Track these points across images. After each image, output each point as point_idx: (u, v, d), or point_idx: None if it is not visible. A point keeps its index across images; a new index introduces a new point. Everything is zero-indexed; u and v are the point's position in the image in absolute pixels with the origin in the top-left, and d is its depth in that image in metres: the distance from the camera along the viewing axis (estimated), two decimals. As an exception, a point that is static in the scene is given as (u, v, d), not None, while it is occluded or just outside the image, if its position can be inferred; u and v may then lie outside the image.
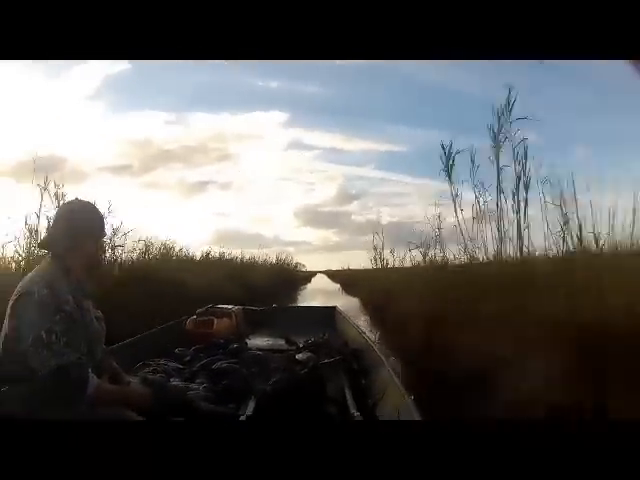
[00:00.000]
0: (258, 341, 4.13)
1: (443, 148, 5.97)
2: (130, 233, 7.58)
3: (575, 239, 3.74)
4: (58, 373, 1.47)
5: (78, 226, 1.71)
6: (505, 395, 2.68)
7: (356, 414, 2.20)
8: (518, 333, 3.03)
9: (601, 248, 3.49)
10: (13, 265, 4.54)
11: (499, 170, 5.30)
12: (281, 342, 4.05)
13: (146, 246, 8.05)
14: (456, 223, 5.81)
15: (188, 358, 3.26)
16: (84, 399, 1.54)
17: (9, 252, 4.69)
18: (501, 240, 5.15)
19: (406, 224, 11.48)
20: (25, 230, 4.80)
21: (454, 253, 6.19)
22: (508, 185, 5.22)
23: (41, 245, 1.86)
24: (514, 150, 5.03)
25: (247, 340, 4.03)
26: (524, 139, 4.99)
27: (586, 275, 3.00)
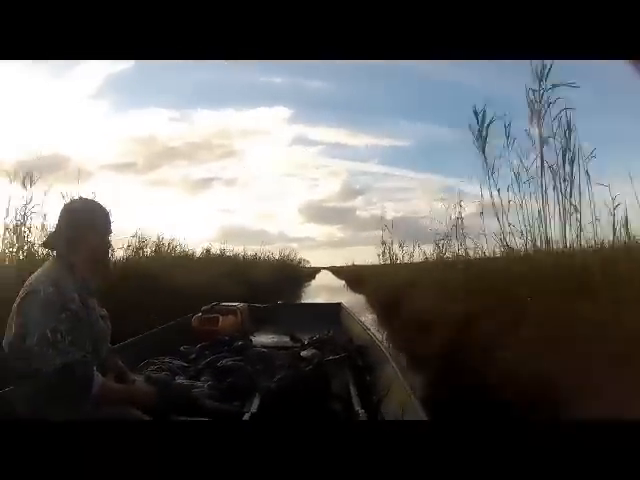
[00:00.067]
0: (263, 338, 4.14)
1: (476, 115, 5.06)
2: (132, 231, 7.63)
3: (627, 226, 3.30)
4: (63, 371, 1.48)
5: (79, 223, 1.72)
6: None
7: (360, 411, 2.20)
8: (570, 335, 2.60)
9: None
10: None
11: (542, 140, 4.30)
12: (286, 339, 4.05)
13: (140, 242, 7.91)
14: (484, 207, 5.07)
15: (193, 356, 3.26)
16: (89, 397, 1.54)
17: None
18: (546, 227, 4.29)
19: (412, 219, 11.31)
20: (26, 229, 4.85)
21: (476, 244, 5.68)
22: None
23: (45, 244, 1.86)
24: (552, 124, 4.18)
25: (252, 337, 4.03)
26: (566, 108, 4.11)
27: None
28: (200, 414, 1.99)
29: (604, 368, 2.17)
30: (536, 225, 4.36)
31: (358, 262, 27.48)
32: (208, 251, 12.27)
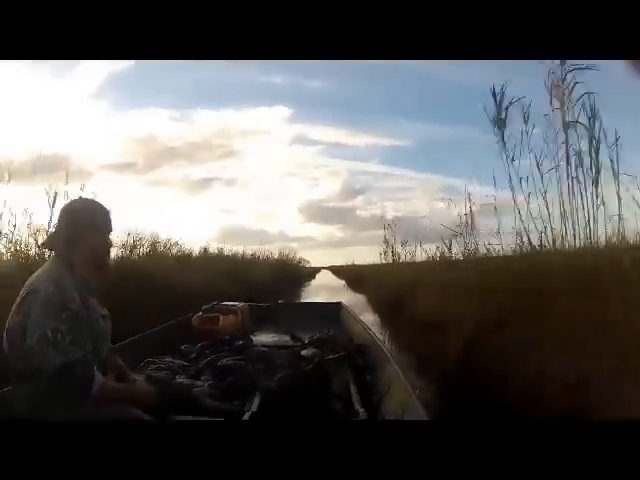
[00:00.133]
0: (263, 337, 4.14)
1: (494, 96, 4.59)
2: (132, 230, 7.61)
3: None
4: (63, 371, 1.48)
5: (79, 222, 1.72)
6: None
7: (361, 410, 2.20)
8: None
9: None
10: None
11: (566, 123, 3.87)
12: (286, 338, 4.04)
13: (134, 241, 7.83)
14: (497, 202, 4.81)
15: (194, 355, 3.27)
16: (89, 397, 1.55)
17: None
18: (572, 222, 3.92)
19: (412, 218, 11.14)
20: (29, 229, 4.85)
21: (489, 242, 5.30)
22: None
23: (45, 245, 1.86)
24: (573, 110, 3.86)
25: (252, 337, 4.03)
26: (589, 93, 3.77)
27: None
28: (200, 413, 2.00)
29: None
30: (557, 219, 4.05)
31: (358, 262, 27.49)
32: (205, 250, 12.17)
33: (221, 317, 4.16)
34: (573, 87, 3.97)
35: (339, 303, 5.63)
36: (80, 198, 1.80)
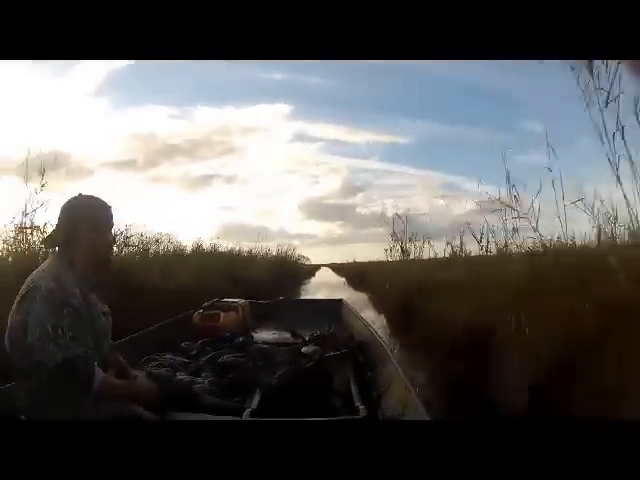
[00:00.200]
0: (264, 334, 4.14)
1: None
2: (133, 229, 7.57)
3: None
4: (64, 367, 1.49)
5: (80, 219, 1.72)
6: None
7: (361, 407, 2.21)
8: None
9: None
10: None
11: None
12: (287, 335, 4.05)
13: (125, 238, 7.56)
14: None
15: (194, 352, 3.27)
16: (90, 393, 1.55)
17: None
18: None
19: (412, 216, 10.73)
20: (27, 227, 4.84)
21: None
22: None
23: (46, 242, 1.87)
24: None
25: (253, 333, 4.04)
26: None
27: None
28: (201, 410, 2.00)
29: None
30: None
31: (359, 259, 27.37)
32: (199, 247, 11.62)
33: (222, 314, 4.16)
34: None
35: (340, 300, 5.63)
36: (80, 194, 1.79)
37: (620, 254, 2.84)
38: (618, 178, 3.07)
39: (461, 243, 7.57)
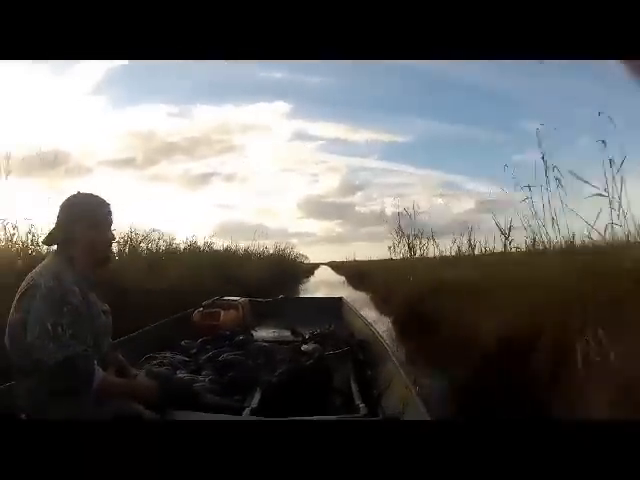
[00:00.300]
0: (264, 333, 4.15)
1: None
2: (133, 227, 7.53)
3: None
4: (64, 365, 1.49)
5: (79, 217, 1.72)
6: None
7: (361, 405, 2.21)
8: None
9: None
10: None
11: None
12: (287, 333, 4.06)
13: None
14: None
15: (194, 350, 3.28)
16: (90, 391, 1.56)
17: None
18: None
19: (417, 213, 10.39)
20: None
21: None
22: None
23: (45, 241, 1.87)
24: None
25: (253, 332, 4.05)
26: None
27: None
28: (201, 409, 2.01)
29: None
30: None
31: (359, 257, 27.27)
32: (191, 245, 11.02)
33: (222, 312, 4.16)
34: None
35: (340, 298, 5.64)
36: (79, 192, 1.79)
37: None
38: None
39: (470, 240, 7.49)
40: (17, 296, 1.59)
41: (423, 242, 9.95)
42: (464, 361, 3.69)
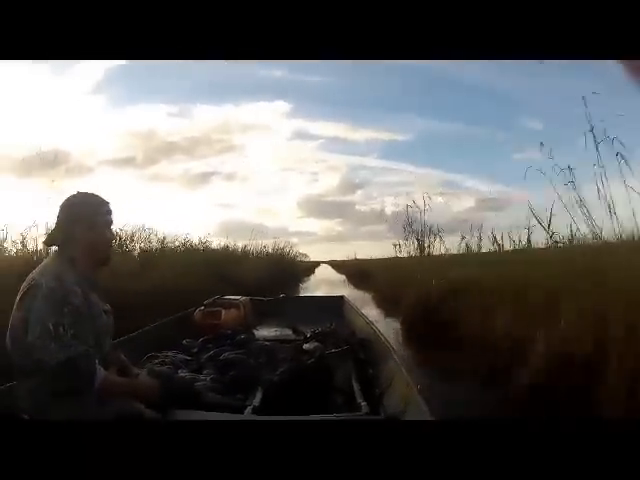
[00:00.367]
0: (265, 331, 4.14)
1: None
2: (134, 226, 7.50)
3: None
4: (66, 365, 1.49)
5: (79, 217, 1.72)
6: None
7: (363, 404, 2.21)
8: None
9: None
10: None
11: None
12: (288, 332, 4.05)
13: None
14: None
15: (196, 349, 3.28)
16: (92, 391, 1.56)
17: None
18: None
19: (414, 213, 10.15)
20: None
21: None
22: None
23: (46, 241, 1.87)
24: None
25: (254, 331, 4.04)
26: None
27: None
28: (203, 408, 2.01)
29: None
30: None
31: (360, 256, 27.14)
32: (185, 244, 10.93)
33: (223, 311, 4.16)
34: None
35: (342, 297, 5.63)
36: (79, 192, 1.79)
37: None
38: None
39: (480, 237, 7.36)
40: (18, 296, 1.60)
41: (428, 240, 9.52)
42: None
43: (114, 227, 1.86)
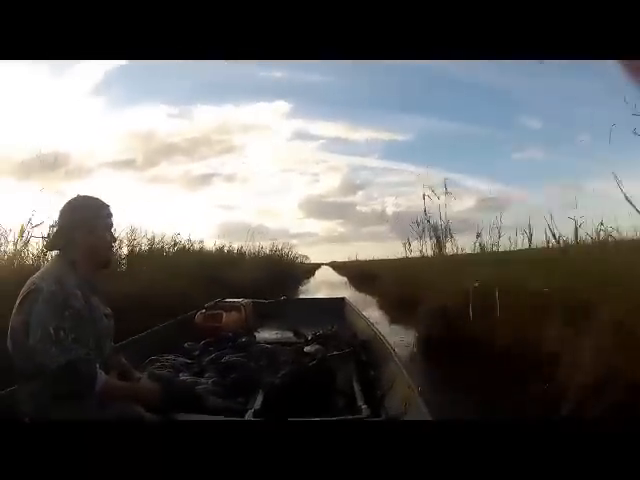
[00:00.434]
0: (267, 334, 4.14)
1: None
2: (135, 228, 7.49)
3: None
4: (67, 369, 1.49)
5: (78, 220, 1.71)
6: None
7: (364, 406, 2.21)
8: None
9: None
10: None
11: None
12: (289, 335, 4.05)
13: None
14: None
15: (197, 352, 3.27)
16: (93, 395, 1.55)
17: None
18: None
19: (415, 213, 9.80)
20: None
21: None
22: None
23: (47, 246, 1.87)
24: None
25: (256, 333, 4.04)
26: None
27: None
28: (204, 411, 2.00)
29: None
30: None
31: (362, 257, 27.04)
32: (175, 244, 10.26)
33: (224, 314, 4.15)
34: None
35: (343, 299, 5.62)
36: (79, 196, 1.79)
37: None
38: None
39: (499, 235, 7.21)
40: (19, 300, 1.59)
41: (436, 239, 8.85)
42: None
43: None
